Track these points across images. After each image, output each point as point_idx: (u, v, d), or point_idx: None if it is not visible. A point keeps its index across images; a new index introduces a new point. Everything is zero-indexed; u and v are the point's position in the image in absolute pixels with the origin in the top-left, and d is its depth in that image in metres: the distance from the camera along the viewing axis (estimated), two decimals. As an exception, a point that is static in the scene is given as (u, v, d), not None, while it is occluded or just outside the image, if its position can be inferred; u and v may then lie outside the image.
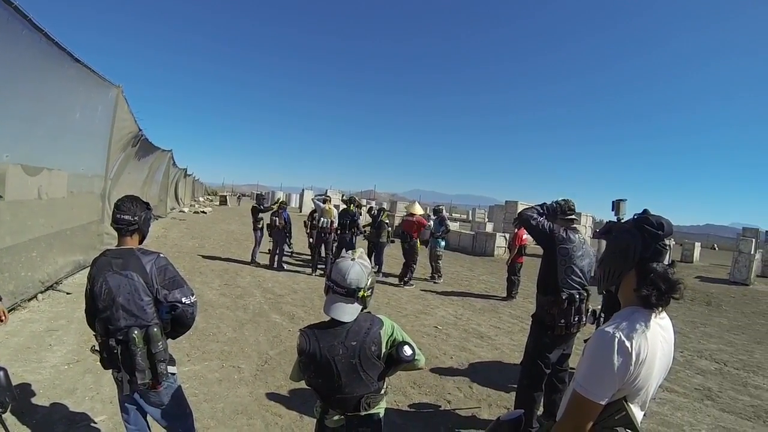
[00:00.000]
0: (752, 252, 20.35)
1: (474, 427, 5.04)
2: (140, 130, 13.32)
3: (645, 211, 1.97)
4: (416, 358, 2.56)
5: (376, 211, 14.29)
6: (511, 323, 9.52)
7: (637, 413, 1.84)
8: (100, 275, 2.89)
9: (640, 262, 1.86)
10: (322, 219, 13.27)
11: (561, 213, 4.64)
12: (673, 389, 6.67)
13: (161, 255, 3.06)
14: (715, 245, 57.91)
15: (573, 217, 4.66)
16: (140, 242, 3.17)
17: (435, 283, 13.93)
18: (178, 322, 3.05)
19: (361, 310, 2.53)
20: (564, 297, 4.30)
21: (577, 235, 4.47)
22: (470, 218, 50.57)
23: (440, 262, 14.25)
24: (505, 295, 12.45)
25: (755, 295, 17.37)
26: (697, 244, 33.60)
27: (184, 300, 2.98)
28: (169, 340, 3.11)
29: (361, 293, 2.46)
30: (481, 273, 17.02)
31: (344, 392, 2.46)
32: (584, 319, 4.39)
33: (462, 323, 9.27)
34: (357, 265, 2.49)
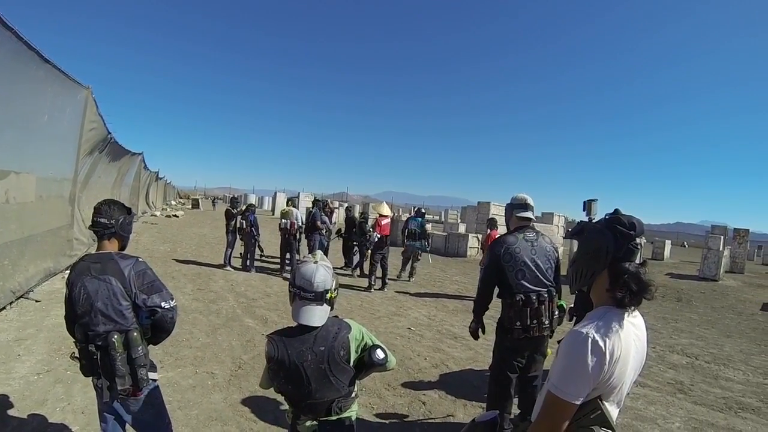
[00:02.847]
0: (721, 249, 20.72)
1: (449, 428, 5.02)
2: (109, 132, 13.07)
3: (616, 211, 1.97)
4: (388, 360, 2.57)
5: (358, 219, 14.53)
6: (484, 323, 9.48)
7: (613, 411, 1.84)
8: (79, 280, 2.84)
9: (612, 263, 1.87)
10: (282, 220, 13.33)
11: (515, 209, 4.63)
12: (646, 384, 6.75)
13: (140, 259, 3.01)
14: (685, 243, 58.83)
15: (527, 214, 4.61)
16: (120, 247, 3.11)
17: (408, 281, 14.19)
18: (158, 327, 3.00)
19: (329, 312, 2.51)
20: (517, 299, 4.27)
21: (522, 235, 4.46)
22: (443, 219, 50.68)
23: (417, 263, 14.57)
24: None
25: (724, 291, 17.66)
26: (668, 242, 34.09)
27: (163, 304, 2.93)
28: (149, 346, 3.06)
29: (329, 295, 2.46)
30: (454, 274, 17.09)
31: (315, 397, 2.45)
32: (546, 322, 4.31)
33: (436, 324, 9.29)
34: (321, 268, 2.47)
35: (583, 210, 6.18)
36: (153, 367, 3.09)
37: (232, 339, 7.19)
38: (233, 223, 13.55)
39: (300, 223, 13.46)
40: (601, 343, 1.72)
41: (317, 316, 2.42)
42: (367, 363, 2.49)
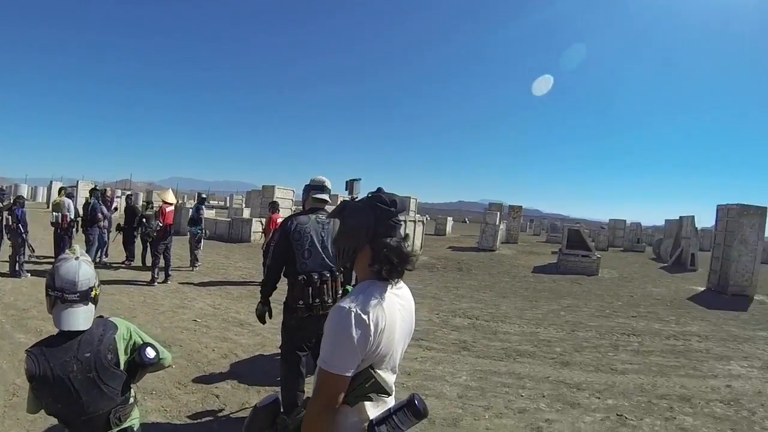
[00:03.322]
0: (497, 223, 22.59)
1: (245, 417, 4.91)
2: None
3: (379, 190, 2.00)
4: (161, 357, 2.42)
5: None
6: (271, 306, 9.41)
7: (388, 377, 1.88)
8: None
9: (373, 239, 1.89)
10: (54, 214, 12.09)
11: (312, 191, 4.65)
12: (432, 347, 7.11)
13: None
14: (466, 219, 63.32)
15: (323, 196, 4.65)
16: None
17: (193, 270, 13.86)
18: None
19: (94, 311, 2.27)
20: (299, 279, 4.31)
21: (314, 216, 4.49)
22: (228, 204, 49.78)
23: (199, 250, 14.36)
24: (262, 279, 12.32)
25: (500, 259, 19.33)
26: (450, 219, 36.52)
27: None
28: None
29: (93, 293, 2.24)
30: (238, 260, 16.77)
31: (88, 412, 2.19)
32: (329, 301, 4.36)
33: (221, 313, 9.08)
34: (83, 264, 2.23)
35: (346, 189, 6.34)
36: None
37: (2, 361, 6.33)
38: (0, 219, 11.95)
39: (73, 216, 12.25)
40: (364, 316, 1.73)
41: (83, 318, 2.17)
42: (137, 364, 2.30)
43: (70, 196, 13.10)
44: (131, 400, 2.41)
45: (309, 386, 5.38)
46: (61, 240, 12.01)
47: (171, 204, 12.37)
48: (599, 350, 7.30)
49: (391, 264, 1.85)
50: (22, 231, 11.39)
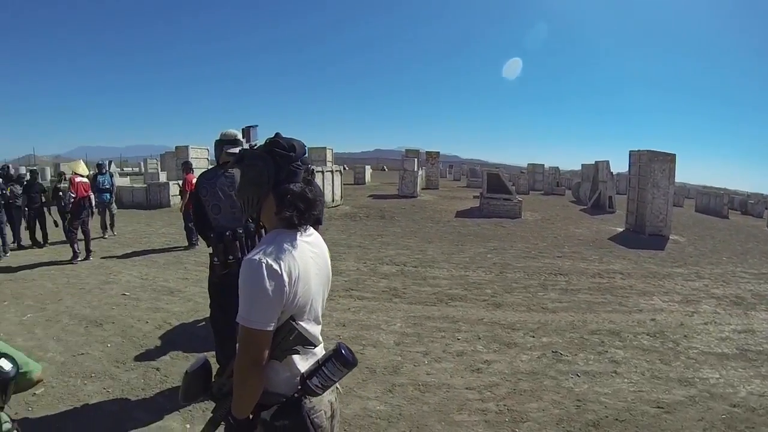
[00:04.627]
0: (416, 169, 22.75)
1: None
2: None
3: (276, 135, 1.97)
4: (25, 370, 2.09)
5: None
6: (198, 271, 9.41)
7: (312, 328, 1.89)
8: None
9: (275, 186, 1.87)
10: None
11: (224, 146, 4.58)
12: (363, 296, 7.28)
13: None
14: (385, 167, 63.37)
15: (235, 150, 4.54)
16: None
17: (105, 237, 13.83)
18: None
19: None
20: (210, 235, 4.32)
21: (222, 171, 4.44)
22: (143, 170, 47.98)
23: (114, 215, 14.57)
24: (186, 244, 12.34)
25: (422, 205, 19.56)
26: (368, 167, 36.48)
27: None
28: None
29: None
30: (160, 227, 16.36)
31: None
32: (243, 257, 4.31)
33: (149, 283, 8.90)
34: None
35: (242, 137, 6.26)
36: None
37: None
38: None
39: None
40: (275, 266, 1.73)
41: None
42: None
43: None
44: (6, 426, 2.08)
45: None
46: None
47: (82, 175, 11.64)
48: (529, 290, 7.64)
49: (298, 210, 1.84)
50: None
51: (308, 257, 1.87)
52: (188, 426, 4.29)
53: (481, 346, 5.52)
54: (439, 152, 31.88)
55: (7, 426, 2.08)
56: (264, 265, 1.72)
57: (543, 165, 38.91)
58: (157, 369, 5.35)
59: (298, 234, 1.88)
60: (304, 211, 1.85)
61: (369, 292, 7.46)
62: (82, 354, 5.83)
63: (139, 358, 5.65)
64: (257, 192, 1.90)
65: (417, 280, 8.17)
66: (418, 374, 4.91)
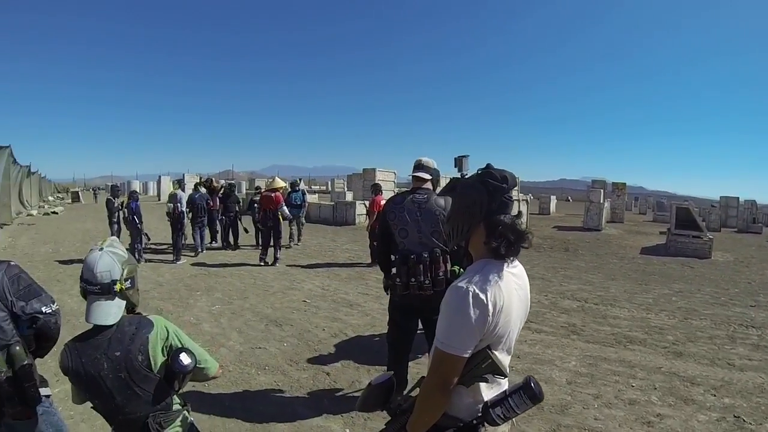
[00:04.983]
0: (601, 201, 21.89)
1: (355, 394, 5.00)
2: None
3: (488, 166, 1.95)
4: (202, 366, 2.28)
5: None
6: (378, 288, 9.48)
7: (504, 359, 1.86)
8: None
9: (487, 216, 1.85)
10: (169, 204, 12.98)
11: (413, 170, 4.67)
12: (541, 330, 7.01)
13: (12, 263, 2.67)
14: (569, 197, 61.80)
15: (419, 174, 4.63)
16: None
17: (290, 247, 15.01)
18: (42, 335, 2.66)
19: (129, 310, 2.21)
20: (395, 258, 4.34)
21: (411, 196, 4.48)
22: (330, 189, 50.34)
23: (301, 228, 15.84)
24: (369, 261, 12.60)
25: (606, 239, 18.70)
26: (553, 197, 35.66)
27: (44, 309, 2.60)
28: (38, 360, 2.72)
29: (118, 286, 2.09)
30: (344, 242, 16.96)
31: (125, 413, 2.11)
32: (426, 282, 4.31)
33: (330, 294, 9.24)
34: (105, 255, 2.11)
35: (455, 166, 6.24)
36: (44, 382, 2.75)
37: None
38: (116, 213, 13.03)
39: (183, 207, 13.06)
40: (482, 296, 1.71)
41: (105, 312, 2.07)
42: (171, 369, 2.13)
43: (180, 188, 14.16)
44: (176, 406, 2.27)
45: (420, 366, 5.45)
46: (173, 228, 12.91)
47: (276, 189, 12.85)
48: (715, 342, 6.86)
49: (508, 241, 1.81)
50: (137, 222, 12.41)
51: (512, 288, 1.85)
52: (347, 430, 4.39)
53: (655, 398, 5.06)
54: (625, 183, 30.58)
55: (177, 407, 2.27)
56: (471, 293, 1.72)
57: (737, 198, 35.38)
58: (328, 373, 5.54)
59: (505, 265, 1.86)
60: (514, 242, 1.83)
61: (547, 326, 7.24)
62: (260, 348, 6.24)
63: (311, 361, 5.90)
64: (469, 221, 1.91)
65: (597, 318, 7.76)
66: (585, 418, 4.64)
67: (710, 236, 16.27)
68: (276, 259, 12.37)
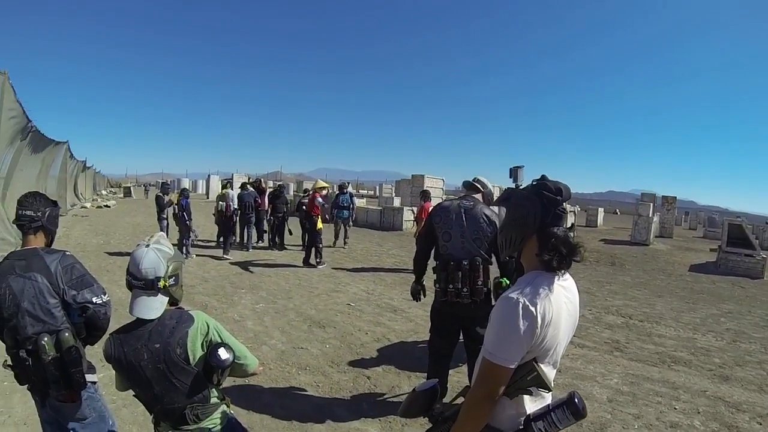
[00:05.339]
0: (650, 215, 21.45)
1: (394, 399, 5.03)
2: (29, 120, 12.27)
3: (543, 177, 1.96)
4: (242, 361, 2.33)
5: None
6: (425, 286, 9.56)
7: (549, 372, 1.86)
8: (3, 280, 2.63)
9: (540, 228, 1.86)
10: (219, 203, 13.48)
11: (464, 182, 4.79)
12: (584, 344, 6.94)
13: (67, 253, 2.80)
14: (617, 210, 60.77)
15: (472, 184, 4.74)
16: (48, 243, 2.89)
17: (343, 247, 15.57)
18: (91, 324, 2.78)
19: (171, 304, 2.26)
20: (438, 261, 4.41)
21: (458, 201, 4.51)
22: (377, 194, 50.35)
23: (348, 230, 16.10)
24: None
25: (654, 254, 18.32)
26: (601, 210, 35.06)
27: (94, 300, 2.72)
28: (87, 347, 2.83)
29: (161, 283, 2.14)
30: (390, 248, 17.04)
31: (163, 402, 2.20)
32: (464, 290, 4.31)
33: (374, 298, 9.29)
34: (151, 252, 2.16)
35: (510, 177, 6.27)
36: (91, 369, 2.89)
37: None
38: (165, 209, 13.42)
39: (235, 205, 13.51)
40: (531, 308, 1.72)
41: (147, 307, 2.13)
42: (210, 364, 2.18)
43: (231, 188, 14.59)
44: (214, 400, 2.33)
45: (460, 375, 5.45)
46: (224, 226, 13.39)
47: (321, 190, 13.07)
48: (764, 367, 6.64)
49: (560, 254, 1.82)
50: (187, 219, 12.82)
51: (562, 302, 1.85)
52: (384, 434, 4.43)
53: (698, 422, 4.93)
54: (676, 197, 29.89)
55: (215, 401, 2.33)
56: (521, 304, 1.73)
57: (793, 215, 34.15)
58: (368, 377, 5.59)
59: (556, 278, 1.86)
60: (566, 255, 1.84)
61: (590, 341, 7.15)
62: (302, 348, 6.33)
63: (352, 364, 5.96)
64: (522, 232, 1.92)
65: (641, 335, 7.61)
66: (625, 438, 4.58)
67: (764, 255, 15.72)
68: (309, 262, 12.47)
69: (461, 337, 4.59)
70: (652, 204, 22.33)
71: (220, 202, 13.46)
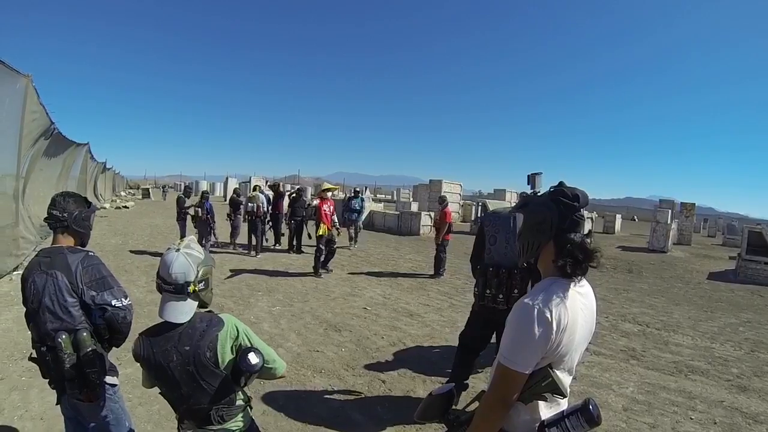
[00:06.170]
0: (669, 222, 21.27)
1: (409, 404, 5.03)
2: (52, 123, 12.39)
3: (561, 183, 1.97)
4: (270, 366, 2.34)
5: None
6: (439, 300, 9.69)
7: (565, 378, 1.87)
8: (30, 275, 2.69)
9: (557, 234, 1.87)
10: (249, 204, 13.87)
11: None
12: (600, 352, 6.91)
13: (90, 253, 2.82)
14: (635, 217, 60.23)
15: (527, 191, 4.86)
16: (78, 243, 2.92)
17: (350, 249, 15.98)
18: (110, 327, 2.78)
19: (201, 307, 2.29)
20: (479, 266, 4.45)
21: (511, 208, 4.59)
22: (395, 198, 50.36)
23: (359, 231, 16.72)
24: (432, 272, 12.60)
25: (672, 262, 18.16)
26: (618, 216, 34.81)
27: (114, 303, 2.73)
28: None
29: (191, 288, 2.16)
30: (407, 252, 17.06)
31: (189, 403, 2.22)
32: (500, 296, 4.36)
33: (391, 303, 9.30)
34: (181, 256, 2.17)
35: (528, 183, 6.26)
36: (112, 370, 2.90)
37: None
38: (186, 210, 13.71)
39: (265, 208, 14.14)
40: (546, 314, 1.73)
41: (177, 311, 2.16)
42: (238, 368, 2.20)
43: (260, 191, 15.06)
44: (239, 402, 2.35)
45: (476, 381, 5.45)
46: (254, 226, 13.92)
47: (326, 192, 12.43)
48: None
49: (576, 260, 1.82)
50: (212, 221, 13.09)
51: (578, 308, 1.86)
52: (399, 438, 4.46)
53: (714, 433, 4.95)
54: (695, 204, 29.58)
55: (240, 403, 2.36)
56: (536, 310, 1.75)
57: (816, 222, 33.68)
58: (383, 381, 5.60)
59: (572, 284, 1.87)
60: (582, 261, 1.83)
61: (606, 349, 7.11)
62: (317, 351, 6.35)
63: (368, 367, 5.98)
64: (538, 238, 1.92)
65: (658, 344, 7.56)
66: (640, 447, 4.56)
67: (784, 264, 15.54)
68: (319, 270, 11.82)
69: (494, 338, 4.66)
70: (670, 211, 22.14)
71: (250, 204, 13.90)
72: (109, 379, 2.85)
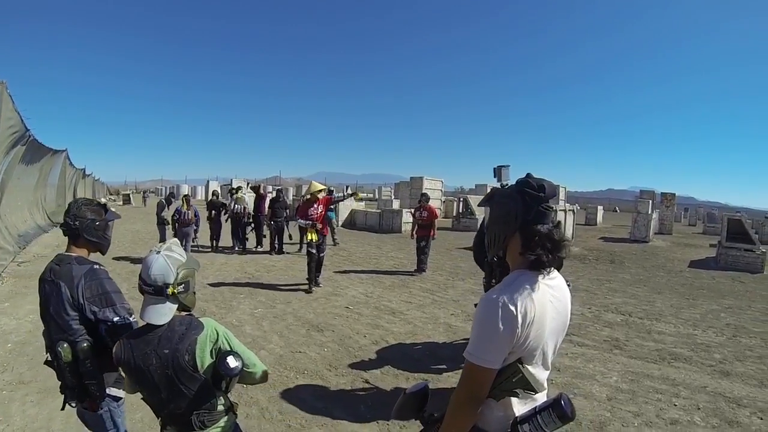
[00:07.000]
0: (649, 212, 21.45)
1: (393, 402, 5.00)
2: (27, 129, 12.18)
3: (528, 175, 1.94)
4: (250, 370, 2.33)
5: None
6: (422, 296, 9.69)
7: (539, 373, 1.83)
8: (43, 280, 2.67)
9: (523, 226, 1.84)
10: (236, 206, 14.45)
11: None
12: (583, 343, 6.92)
13: (96, 267, 2.75)
14: (617, 208, 60.71)
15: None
16: (91, 251, 2.87)
17: (335, 245, 16.12)
18: (114, 341, 2.63)
19: (180, 310, 2.27)
20: (486, 260, 4.51)
21: None
22: (377, 196, 50.37)
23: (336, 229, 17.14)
24: (413, 269, 12.65)
25: (654, 251, 18.31)
26: (600, 208, 35.05)
27: (115, 319, 2.66)
28: None
29: (170, 290, 2.15)
30: (389, 250, 17.04)
31: (170, 407, 2.21)
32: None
33: (373, 301, 9.28)
34: (161, 258, 2.17)
35: (494, 176, 6.23)
36: (119, 382, 2.83)
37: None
38: (164, 216, 13.67)
39: (251, 210, 14.63)
40: (511, 307, 1.69)
41: (156, 313, 2.15)
42: (218, 372, 2.18)
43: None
44: (220, 407, 2.32)
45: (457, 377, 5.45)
46: (240, 227, 14.80)
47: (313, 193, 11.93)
48: (764, 362, 6.62)
49: (544, 252, 1.79)
50: (197, 226, 13.54)
51: (547, 301, 1.81)
52: (382, 437, 4.42)
53: (698, 418, 4.91)
54: (675, 194, 29.84)
55: (221, 408, 2.33)
56: (500, 304, 1.71)
57: (794, 208, 33.74)
58: (366, 380, 5.57)
59: (541, 276, 1.83)
60: (550, 252, 1.80)
61: (590, 340, 7.12)
62: (300, 352, 6.32)
63: (351, 367, 5.95)
64: (504, 230, 1.90)
65: (641, 332, 7.61)
66: (624, 436, 4.57)
67: (763, 249, 15.58)
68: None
69: None
70: (651, 201, 22.32)
71: (236, 206, 14.48)
72: (113, 391, 2.81)
